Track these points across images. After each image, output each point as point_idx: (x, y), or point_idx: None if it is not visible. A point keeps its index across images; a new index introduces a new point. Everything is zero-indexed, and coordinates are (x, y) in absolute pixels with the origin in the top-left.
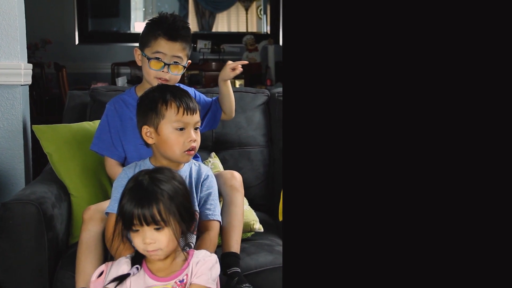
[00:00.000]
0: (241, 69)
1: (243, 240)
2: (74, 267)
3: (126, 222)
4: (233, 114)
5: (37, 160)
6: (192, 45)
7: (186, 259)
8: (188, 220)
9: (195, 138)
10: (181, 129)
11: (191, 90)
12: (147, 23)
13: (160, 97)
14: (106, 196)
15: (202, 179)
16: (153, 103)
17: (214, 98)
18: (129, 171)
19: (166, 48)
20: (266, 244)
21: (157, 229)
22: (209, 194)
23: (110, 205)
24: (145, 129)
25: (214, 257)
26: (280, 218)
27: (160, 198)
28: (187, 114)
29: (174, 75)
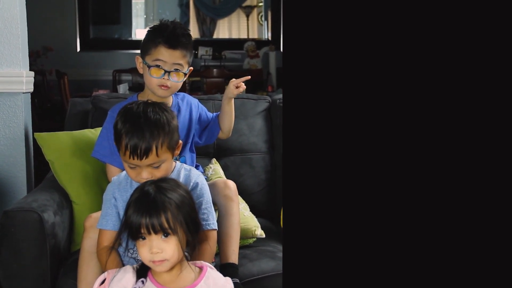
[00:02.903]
0: (245, 87)
1: (245, 247)
2: (76, 275)
3: (133, 232)
4: (230, 134)
5: (38, 168)
6: (194, 52)
7: (196, 274)
8: (194, 231)
9: (146, 177)
10: (132, 166)
11: (195, 102)
12: (148, 31)
13: (121, 127)
14: None
15: (190, 188)
16: (116, 129)
17: (214, 114)
18: (115, 183)
19: (166, 55)
20: (268, 251)
21: (165, 237)
22: (200, 203)
23: (100, 221)
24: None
25: (231, 283)
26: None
27: (168, 206)
28: (133, 158)
29: (175, 82)
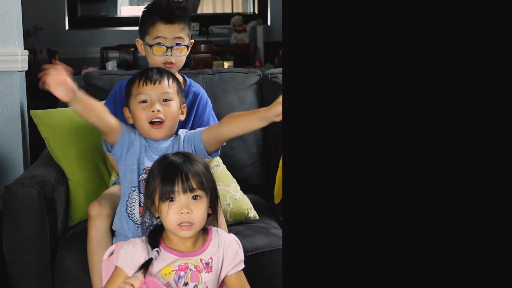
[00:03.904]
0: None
1: (239, 223)
2: (74, 247)
3: (165, 191)
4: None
5: (31, 144)
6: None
7: (204, 238)
8: (215, 203)
9: (159, 109)
10: (144, 101)
11: (203, 93)
12: (143, 11)
13: (132, 78)
14: (102, 180)
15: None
16: (128, 84)
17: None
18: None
19: (165, 31)
20: (261, 227)
21: (194, 199)
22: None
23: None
24: (125, 111)
25: (236, 239)
26: (276, 201)
27: (200, 168)
28: (146, 85)
29: (178, 57)
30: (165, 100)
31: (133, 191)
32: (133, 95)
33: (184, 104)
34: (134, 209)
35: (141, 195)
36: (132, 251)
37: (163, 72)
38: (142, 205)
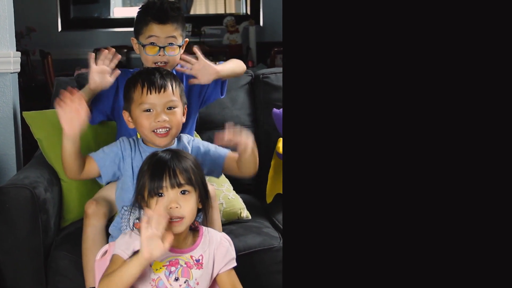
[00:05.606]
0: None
1: (231, 223)
2: (68, 247)
3: (154, 187)
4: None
5: (24, 146)
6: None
7: (194, 235)
8: (205, 197)
9: (165, 118)
10: (148, 110)
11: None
12: (137, 12)
13: (132, 81)
14: (95, 181)
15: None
16: (127, 87)
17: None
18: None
19: (158, 31)
20: (254, 226)
21: (182, 194)
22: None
23: (97, 152)
24: (125, 114)
25: (227, 237)
26: (268, 201)
27: (188, 164)
28: (150, 93)
29: (171, 56)
30: (170, 108)
31: (125, 210)
32: (135, 102)
33: (185, 106)
34: (127, 227)
35: (134, 214)
36: (128, 241)
37: (165, 76)
38: (136, 221)
